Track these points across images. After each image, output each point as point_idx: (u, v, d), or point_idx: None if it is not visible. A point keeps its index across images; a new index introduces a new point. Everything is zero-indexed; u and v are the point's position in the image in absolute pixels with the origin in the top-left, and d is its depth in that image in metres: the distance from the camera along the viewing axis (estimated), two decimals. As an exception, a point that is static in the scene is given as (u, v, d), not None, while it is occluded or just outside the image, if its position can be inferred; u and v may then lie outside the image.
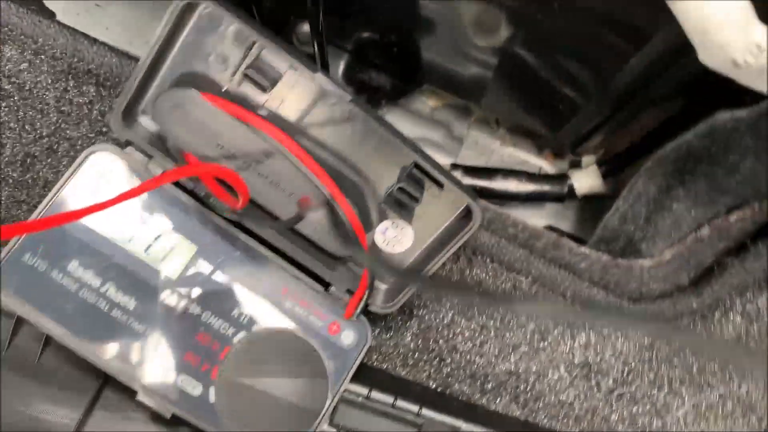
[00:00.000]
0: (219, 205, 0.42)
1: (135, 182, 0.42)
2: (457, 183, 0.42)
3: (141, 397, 0.40)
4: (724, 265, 0.46)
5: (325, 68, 0.55)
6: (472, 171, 0.58)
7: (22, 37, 0.47)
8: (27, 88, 0.47)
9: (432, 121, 0.63)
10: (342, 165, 0.43)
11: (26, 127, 0.48)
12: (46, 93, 0.48)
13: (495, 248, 0.48)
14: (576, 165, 0.60)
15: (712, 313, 0.48)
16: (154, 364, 0.41)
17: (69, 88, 0.48)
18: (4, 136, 0.47)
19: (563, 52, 0.48)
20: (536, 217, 0.61)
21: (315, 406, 0.43)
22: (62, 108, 0.48)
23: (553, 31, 0.45)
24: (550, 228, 0.61)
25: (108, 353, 0.40)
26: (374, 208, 0.45)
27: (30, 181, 0.48)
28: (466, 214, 0.43)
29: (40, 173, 0.48)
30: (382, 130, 0.40)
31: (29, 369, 0.43)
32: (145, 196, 0.42)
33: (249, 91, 0.41)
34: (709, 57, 0.26)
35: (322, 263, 0.45)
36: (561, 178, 0.58)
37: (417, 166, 0.41)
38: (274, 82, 0.40)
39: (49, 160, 0.48)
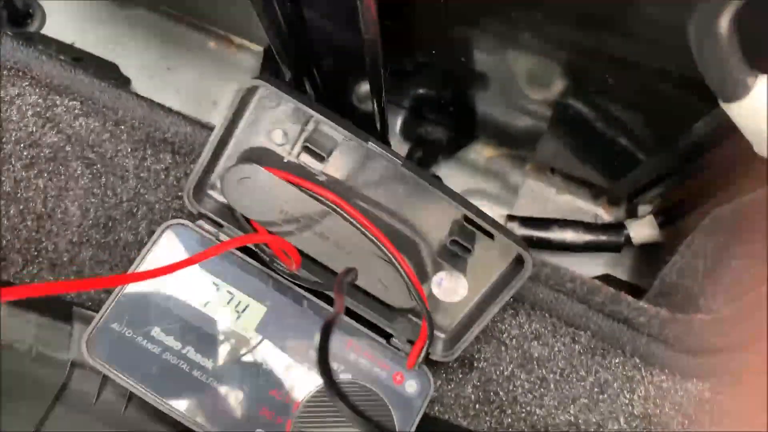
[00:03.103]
0: (282, 268, 0.45)
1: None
2: (507, 233, 0.43)
3: None
4: (786, 322, 0.46)
5: (384, 125, 0.58)
6: (528, 222, 0.60)
7: (104, 109, 0.51)
8: (109, 156, 0.51)
9: (487, 172, 0.65)
10: (396, 222, 0.46)
11: (108, 192, 0.51)
12: (126, 161, 0.51)
13: (554, 303, 0.49)
14: (632, 213, 0.61)
15: (775, 369, 0.48)
16: (234, 419, 0.43)
17: (147, 156, 0.51)
18: (88, 201, 0.51)
19: (625, 107, 0.49)
20: (593, 266, 0.62)
21: None
22: (141, 174, 0.51)
23: (616, 87, 0.46)
24: (607, 276, 0.61)
25: (189, 410, 0.43)
26: (429, 260, 0.47)
27: (112, 242, 0.51)
28: (518, 262, 0.44)
29: (121, 235, 0.51)
30: (433, 190, 0.42)
31: (116, 420, 0.46)
32: (217, 263, 0.45)
33: (308, 160, 0.45)
34: (765, 151, 0.27)
35: (381, 316, 0.47)
36: (617, 227, 0.58)
37: (467, 219, 0.43)
38: (329, 152, 0.43)
39: (129, 223, 0.51)
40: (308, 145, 0.43)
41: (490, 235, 0.44)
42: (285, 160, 0.45)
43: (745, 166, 0.45)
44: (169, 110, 0.51)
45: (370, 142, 0.41)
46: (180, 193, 0.51)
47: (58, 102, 0.51)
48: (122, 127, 0.51)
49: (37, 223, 0.51)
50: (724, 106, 0.26)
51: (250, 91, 0.41)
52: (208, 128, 0.51)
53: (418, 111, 0.62)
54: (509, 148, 0.63)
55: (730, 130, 0.43)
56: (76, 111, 0.51)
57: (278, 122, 0.43)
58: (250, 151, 0.44)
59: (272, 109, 0.43)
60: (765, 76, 0.25)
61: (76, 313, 0.47)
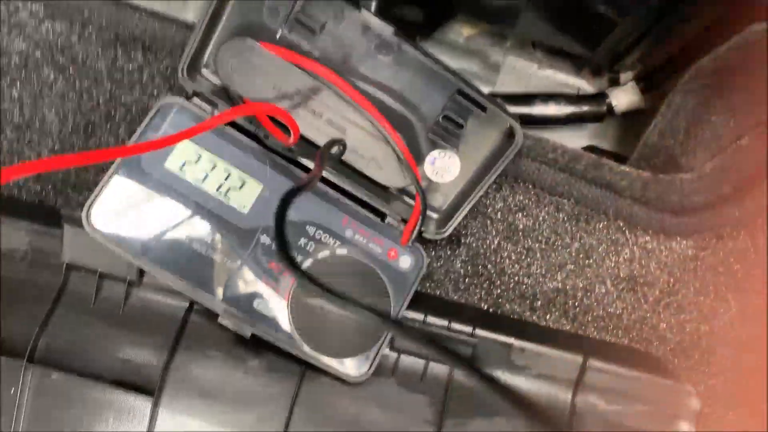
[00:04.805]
0: (278, 144, 0.46)
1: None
2: (500, 105, 0.44)
3: (222, 320, 0.45)
4: (765, 173, 0.46)
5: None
6: (510, 98, 0.59)
7: (69, 10, 0.49)
8: (80, 59, 0.50)
9: (467, 51, 0.63)
10: (390, 99, 0.46)
11: (84, 96, 0.51)
12: (98, 63, 0.50)
13: (536, 174, 0.50)
14: (615, 82, 0.60)
15: (755, 221, 0.49)
16: (233, 290, 0.45)
17: (118, 57, 0.50)
18: (65, 107, 0.51)
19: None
20: (577, 138, 0.62)
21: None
22: (114, 75, 0.50)
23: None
24: (591, 148, 0.61)
25: (191, 282, 0.44)
26: (422, 139, 0.47)
27: (94, 147, 0.51)
28: (508, 136, 0.45)
29: (102, 139, 0.51)
30: (425, 60, 0.43)
31: (115, 318, 0.47)
32: (215, 140, 0.45)
33: (300, 35, 0.45)
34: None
35: (376, 195, 0.48)
36: (600, 97, 0.58)
37: (460, 92, 0.44)
38: (322, 26, 0.44)
39: (109, 126, 0.51)
40: (300, 18, 0.43)
41: (483, 109, 0.44)
42: (278, 35, 0.45)
43: (722, 16, 0.45)
44: (137, 7, 0.50)
45: (362, 9, 0.42)
46: (155, 91, 0.51)
47: (20, 7, 0.50)
48: (90, 28, 0.50)
49: (17, 134, 0.51)
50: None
51: None
52: (179, 24, 0.50)
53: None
54: (488, 24, 0.62)
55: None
56: (41, 15, 0.50)
57: None
58: (242, 27, 0.44)
59: None
60: None
61: (65, 216, 0.48)
